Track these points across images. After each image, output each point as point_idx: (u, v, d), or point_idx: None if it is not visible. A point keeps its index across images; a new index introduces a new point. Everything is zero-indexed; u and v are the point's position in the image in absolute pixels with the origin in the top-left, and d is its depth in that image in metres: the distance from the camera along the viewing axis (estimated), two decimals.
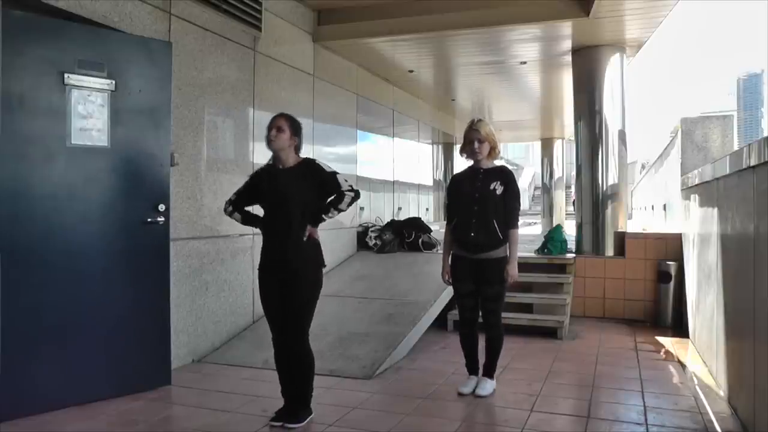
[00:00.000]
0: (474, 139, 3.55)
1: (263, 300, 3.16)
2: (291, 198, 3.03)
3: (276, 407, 3.26)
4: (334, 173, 3.11)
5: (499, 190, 3.52)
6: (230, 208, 3.26)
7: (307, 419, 3.09)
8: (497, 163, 3.75)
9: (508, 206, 3.54)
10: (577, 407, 3.48)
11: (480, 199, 3.52)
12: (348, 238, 6.87)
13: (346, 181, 3.12)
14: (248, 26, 4.90)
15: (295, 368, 3.10)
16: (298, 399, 3.12)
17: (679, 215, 6.06)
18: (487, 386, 3.62)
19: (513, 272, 3.53)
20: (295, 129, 3.12)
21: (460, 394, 3.61)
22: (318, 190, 3.09)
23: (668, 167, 7.34)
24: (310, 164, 3.13)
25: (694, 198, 4.88)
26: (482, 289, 3.57)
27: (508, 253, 3.58)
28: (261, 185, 3.16)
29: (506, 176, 3.58)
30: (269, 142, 3.09)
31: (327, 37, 6.09)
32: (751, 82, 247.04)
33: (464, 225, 3.55)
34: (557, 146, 15.22)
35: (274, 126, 3.08)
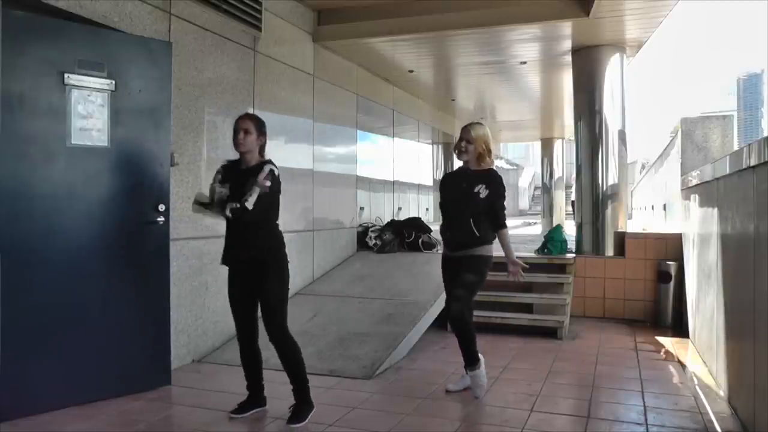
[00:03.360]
0: (463, 138, 3.62)
1: (230, 296, 3.21)
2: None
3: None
4: (259, 185, 2.99)
5: (484, 193, 3.56)
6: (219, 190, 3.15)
7: (309, 415, 3.10)
8: (493, 165, 3.78)
9: (493, 207, 3.57)
10: (577, 407, 3.48)
11: (461, 200, 3.60)
12: (348, 238, 6.87)
13: (251, 196, 2.96)
14: (248, 26, 4.90)
15: (284, 361, 3.13)
16: (297, 395, 3.14)
17: (679, 215, 6.06)
18: (477, 382, 3.58)
19: (513, 269, 3.59)
20: (261, 129, 3.16)
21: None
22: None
23: (668, 167, 7.34)
24: (261, 166, 3.08)
25: (694, 198, 4.88)
26: (457, 279, 3.59)
27: (488, 252, 3.61)
28: (227, 179, 3.15)
29: (491, 179, 3.61)
30: (237, 145, 3.11)
31: (327, 37, 6.09)
32: (751, 82, 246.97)
33: (445, 224, 3.71)
34: (557, 146, 15.20)
35: (241, 129, 3.10)
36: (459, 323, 3.56)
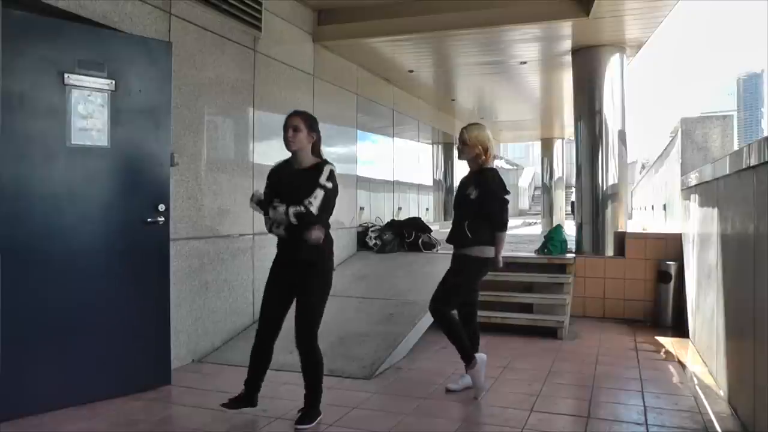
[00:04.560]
0: (459, 139, 3.69)
1: (267, 290, 3.16)
2: (302, 199, 3.00)
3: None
4: (323, 187, 2.98)
5: (474, 194, 3.58)
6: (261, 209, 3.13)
7: (317, 420, 3.09)
8: (495, 164, 3.83)
9: (484, 209, 3.55)
10: (577, 407, 3.48)
11: (458, 203, 3.72)
12: (348, 238, 6.87)
13: (316, 199, 2.95)
14: (248, 26, 4.90)
15: (305, 369, 3.10)
16: (308, 400, 3.12)
17: (679, 215, 6.06)
18: (474, 382, 3.59)
19: (497, 263, 3.66)
20: (311, 125, 3.12)
21: (448, 391, 3.67)
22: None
23: (668, 167, 7.35)
24: (320, 167, 3.07)
25: (694, 198, 4.88)
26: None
27: (477, 253, 3.59)
28: (276, 184, 3.14)
29: (480, 180, 3.60)
30: (288, 144, 3.07)
31: (327, 37, 6.09)
32: (751, 82, 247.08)
33: (452, 225, 3.81)
34: (557, 146, 15.21)
35: (290, 126, 3.06)
36: (435, 316, 3.72)
